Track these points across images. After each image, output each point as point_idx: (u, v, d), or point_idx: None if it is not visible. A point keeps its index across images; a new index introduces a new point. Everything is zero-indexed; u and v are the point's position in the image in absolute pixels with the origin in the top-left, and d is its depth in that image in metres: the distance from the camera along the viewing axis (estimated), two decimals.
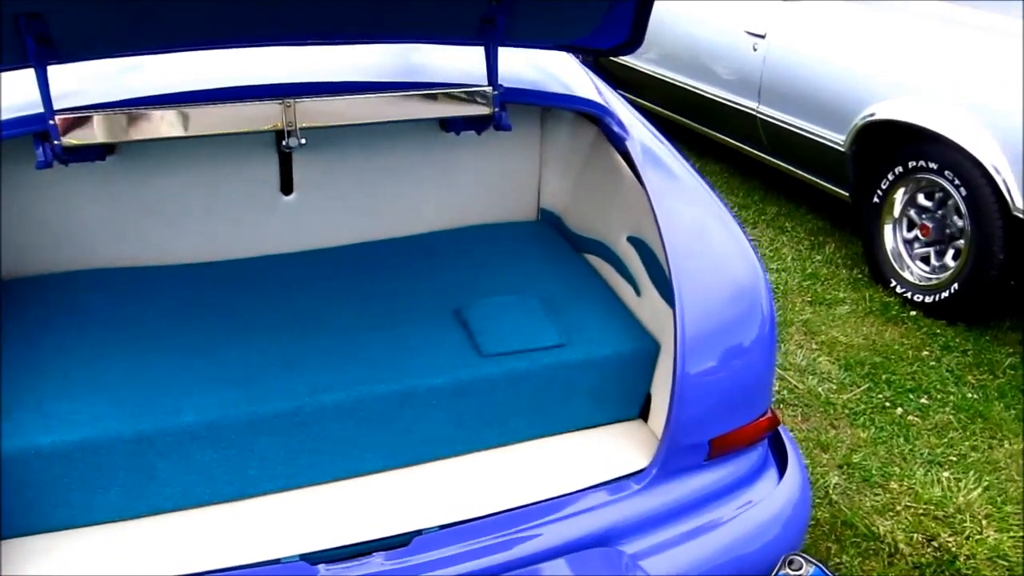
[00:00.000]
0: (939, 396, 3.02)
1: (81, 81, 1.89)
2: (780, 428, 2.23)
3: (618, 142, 2.21)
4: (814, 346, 3.32)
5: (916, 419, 2.91)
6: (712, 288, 1.92)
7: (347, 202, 2.40)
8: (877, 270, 3.76)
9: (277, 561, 1.65)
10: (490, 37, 2.00)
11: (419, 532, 1.72)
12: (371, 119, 2.01)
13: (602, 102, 2.22)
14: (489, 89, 2.04)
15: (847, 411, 2.93)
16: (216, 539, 1.69)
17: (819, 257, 4.01)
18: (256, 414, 1.76)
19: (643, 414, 2.05)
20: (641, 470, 1.89)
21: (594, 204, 2.41)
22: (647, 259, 2.11)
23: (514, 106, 2.28)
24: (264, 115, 1.90)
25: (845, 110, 3.75)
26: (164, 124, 1.84)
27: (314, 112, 1.94)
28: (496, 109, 2.06)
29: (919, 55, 3.51)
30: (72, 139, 1.75)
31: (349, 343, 1.95)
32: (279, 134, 1.93)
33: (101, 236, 2.23)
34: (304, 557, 1.64)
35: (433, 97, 2.03)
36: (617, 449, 1.96)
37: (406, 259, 2.33)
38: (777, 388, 3.05)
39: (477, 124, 2.17)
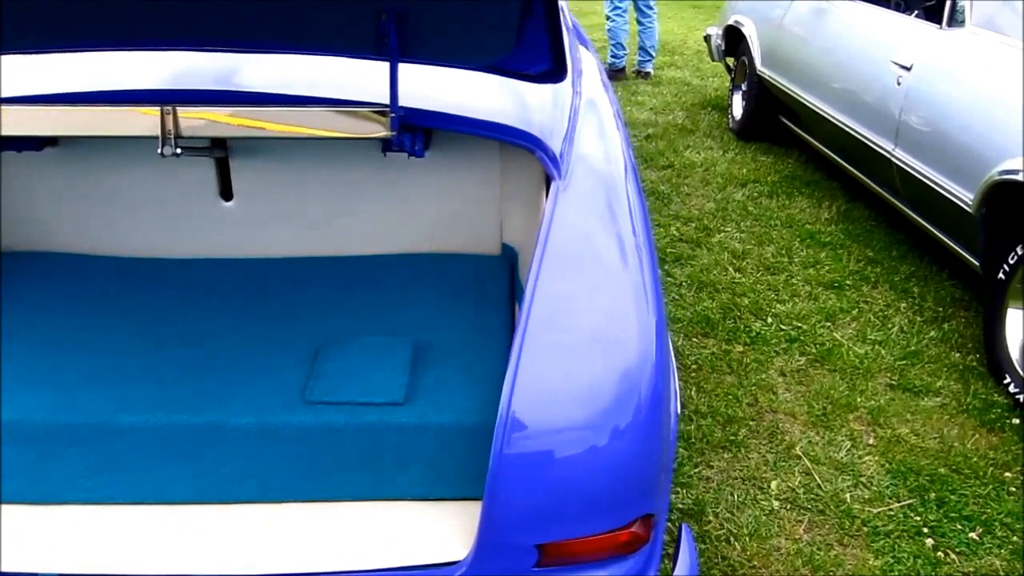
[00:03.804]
0: (1000, 534, 2.40)
1: None
2: (687, 545, 1.84)
3: (548, 180, 1.92)
4: (871, 441, 2.77)
5: (953, 557, 2.32)
6: (569, 364, 1.59)
7: (289, 214, 2.30)
8: (994, 361, 3.08)
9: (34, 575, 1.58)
10: (392, 53, 1.80)
11: None
12: (255, 133, 1.88)
13: (537, 134, 1.93)
14: (385, 110, 1.83)
15: (867, 528, 2.40)
16: None
17: (933, 333, 3.36)
18: (58, 422, 1.70)
19: None
20: (455, 562, 1.61)
21: None
22: None
23: (470, 139, 2.08)
24: (142, 121, 1.83)
25: (978, 163, 3.10)
26: (41, 122, 1.83)
27: (197, 122, 1.84)
28: (394, 132, 1.84)
29: None
30: None
31: (198, 363, 1.85)
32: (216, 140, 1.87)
33: (54, 223, 2.28)
34: None
35: (330, 114, 1.86)
36: (443, 531, 1.68)
37: (326, 280, 2.19)
38: (796, 483, 2.56)
39: (401, 146, 1.98)
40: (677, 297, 3.62)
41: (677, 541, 1.85)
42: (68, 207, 2.26)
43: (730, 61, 5.95)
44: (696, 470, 2.61)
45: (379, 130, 1.85)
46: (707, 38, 6.20)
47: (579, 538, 1.57)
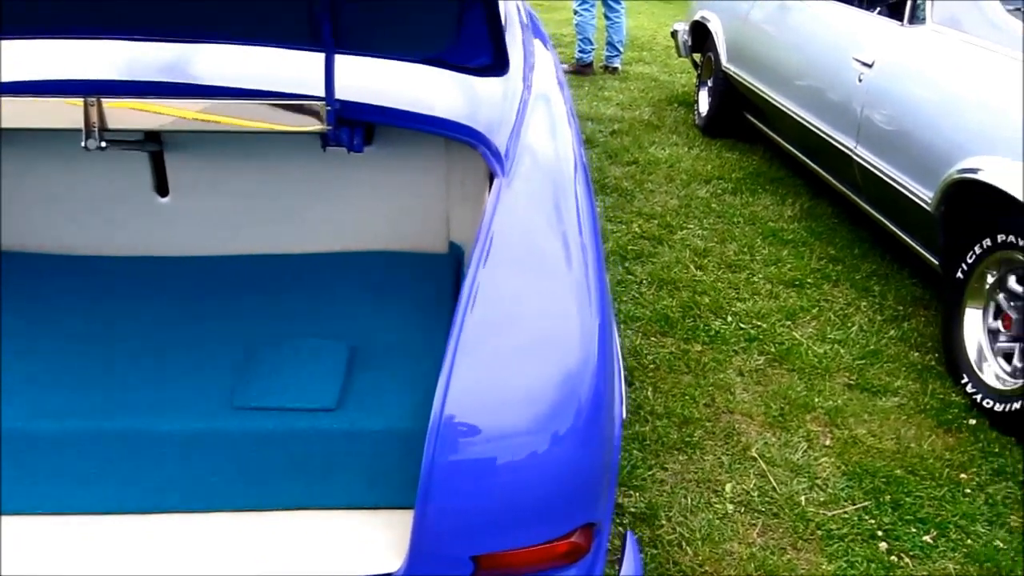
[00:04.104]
0: (955, 536, 2.37)
1: None
2: (631, 553, 1.79)
3: (491, 177, 1.87)
4: (827, 442, 2.73)
5: (907, 561, 2.29)
6: (506, 367, 1.53)
7: (227, 211, 2.22)
8: (951, 361, 3.06)
9: None
10: (328, 44, 1.73)
11: None
12: (185, 127, 1.80)
13: (481, 129, 1.86)
14: (321, 103, 1.75)
15: (821, 532, 2.36)
16: None
17: (893, 332, 3.34)
18: None
19: None
20: (388, 574, 1.55)
21: None
22: None
23: (415, 134, 2.02)
24: (67, 113, 1.75)
25: (938, 161, 3.07)
26: None
27: (124, 114, 1.76)
28: (330, 126, 1.77)
29: None
30: None
31: (122, 366, 1.76)
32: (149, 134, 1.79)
33: None
34: None
35: (265, 108, 1.78)
36: (376, 541, 1.62)
37: (263, 280, 2.12)
38: (751, 486, 2.52)
39: (339, 141, 1.90)
40: (637, 295, 3.58)
41: (622, 548, 1.80)
42: (11, 200, 2.17)
43: (697, 57, 5.91)
44: (650, 472, 2.56)
45: (315, 124, 1.78)
46: (674, 34, 6.17)
47: (516, 549, 1.51)
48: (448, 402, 1.44)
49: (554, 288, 1.65)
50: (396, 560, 1.56)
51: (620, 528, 2.34)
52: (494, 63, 1.81)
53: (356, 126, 1.86)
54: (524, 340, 1.56)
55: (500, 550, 1.51)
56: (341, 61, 1.81)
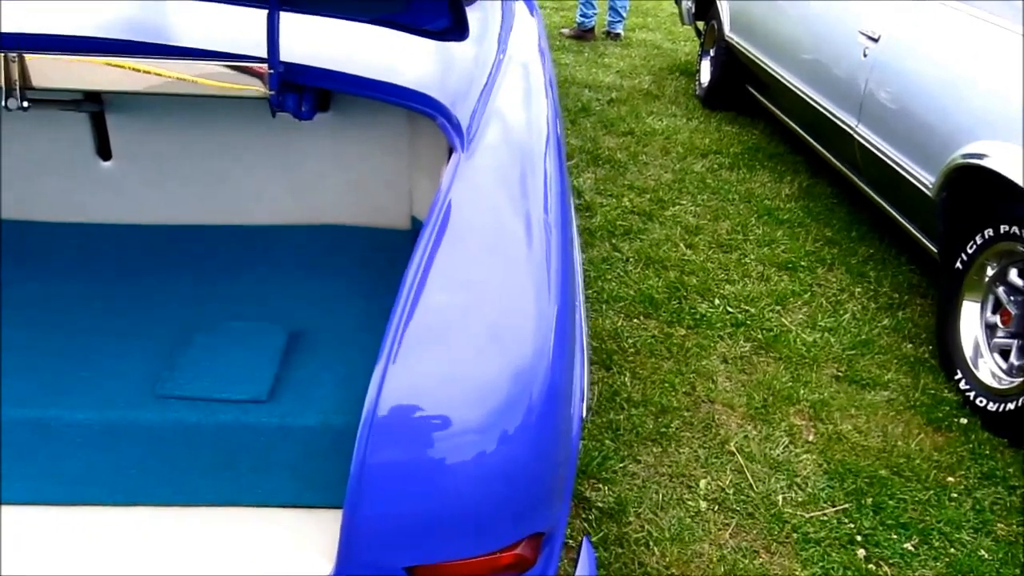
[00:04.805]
0: (938, 544, 2.25)
1: None
2: (586, 559, 1.67)
3: (450, 151, 1.72)
4: (810, 438, 2.60)
5: (886, 569, 2.17)
6: (449, 359, 1.38)
7: (172, 177, 2.07)
8: (945, 355, 2.92)
9: None
10: (272, 1, 1.57)
11: None
12: (116, 87, 1.65)
13: (440, 98, 1.71)
14: (264, 66, 1.60)
15: (797, 535, 2.24)
16: None
17: (886, 322, 3.20)
18: None
19: None
20: None
21: None
22: None
23: (375, 101, 1.87)
24: None
25: (941, 144, 2.91)
26: None
27: (49, 72, 1.61)
28: (273, 91, 1.62)
29: None
30: None
31: (40, 346, 1.63)
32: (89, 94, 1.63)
33: None
34: None
35: (207, 68, 1.63)
36: (307, 542, 1.49)
37: (206, 252, 1.97)
38: (727, 482, 2.40)
39: (282, 107, 1.75)
40: (622, 274, 3.43)
41: (577, 555, 1.68)
42: None
43: (701, 25, 5.71)
44: (622, 464, 2.44)
45: (257, 87, 1.62)
46: (678, 0, 5.95)
47: (454, 561, 1.39)
48: (382, 397, 1.30)
49: (510, 272, 1.51)
50: (327, 564, 1.44)
51: (586, 523, 2.22)
52: (452, 26, 1.66)
53: (304, 91, 1.71)
54: (472, 329, 1.42)
55: (436, 561, 1.38)
56: (289, 21, 1.65)
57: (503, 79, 2.01)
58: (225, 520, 1.52)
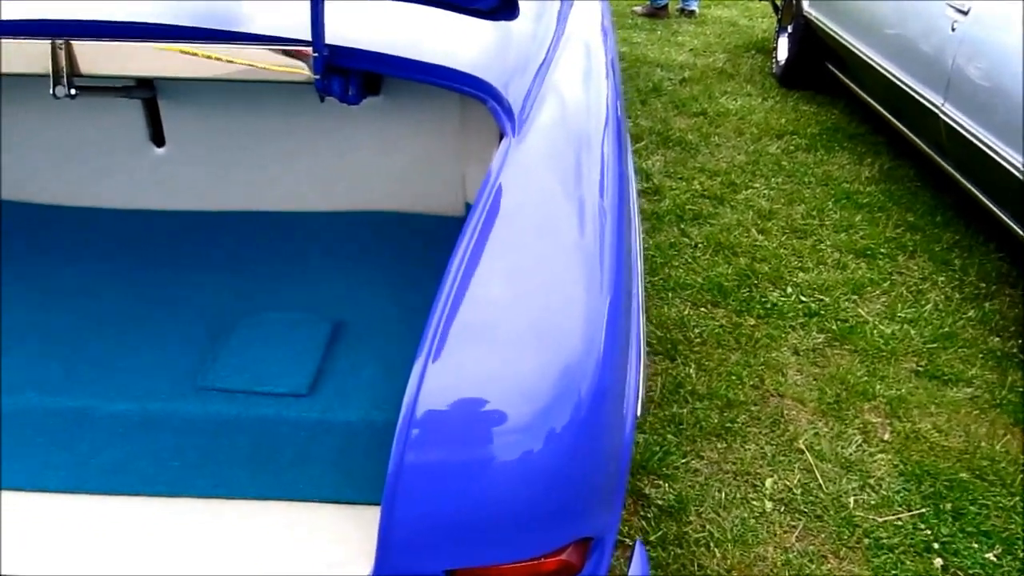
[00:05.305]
0: (1023, 555, 2.10)
1: None
2: (639, 560, 1.59)
3: (501, 135, 1.65)
4: (886, 436, 2.47)
5: None
6: (493, 354, 1.32)
7: (224, 164, 2.05)
8: None
9: None
10: None
11: None
12: (163, 73, 1.62)
13: (491, 80, 1.64)
14: (308, 50, 1.56)
15: (868, 540, 2.12)
16: None
17: (972, 313, 3.02)
18: None
19: None
20: None
21: None
22: None
23: (427, 85, 1.81)
24: (30, 56, 1.58)
25: None
26: None
27: (98, 58, 1.59)
28: (317, 75, 1.57)
29: None
30: None
31: (85, 335, 1.62)
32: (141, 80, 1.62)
33: None
34: None
35: (255, 54, 1.59)
36: (350, 540, 1.45)
37: (255, 240, 1.95)
38: (795, 482, 2.29)
39: (328, 91, 1.70)
40: (690, 260, 3.32)
41: (629, 560, 1.60)
42: None
43: (778, 0, 5.50)
44: (684, 460, 2.35)
45: (303, 71, 1.58)
46: None
47: (496, 565, 1.33)
48: (422, 393, 1.25)
49: (559, 262, 1.44)
50: (366, 562, 1.40)
51: (644, 521, 2.14)
52: (502, 4, 1.58)
53: (351, 75, 1.66)
54: (517, 322, 1.34)
55: (477, 565, 1.33)
56: (336, 3, 1.60)
57: (561, 59, 1.92)
58: (265, 514, 1.49)
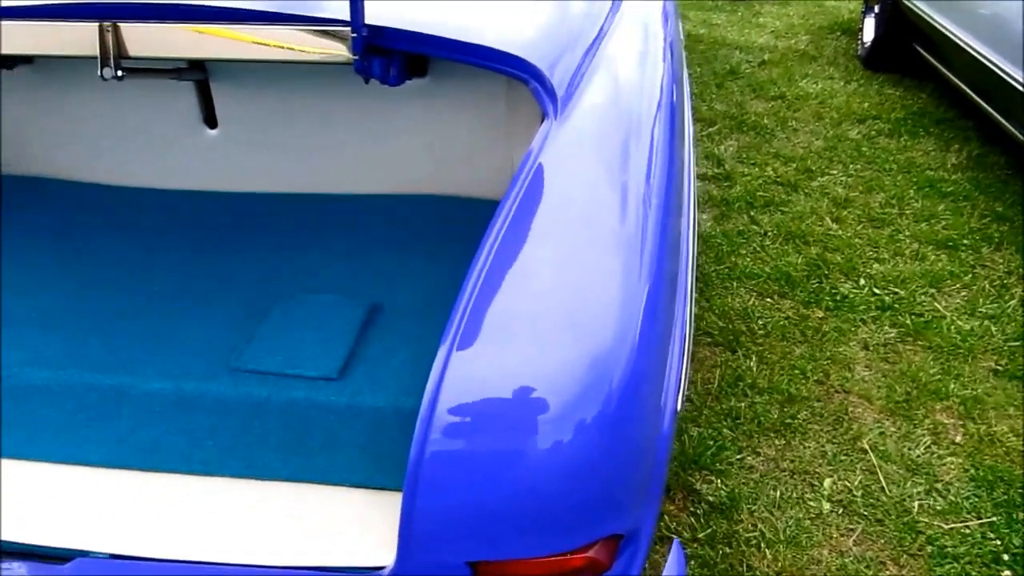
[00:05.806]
0: None
1: None
2: (676, 559, 1.53)
3: (543, 117, 1.60)
4: (957, 439, 2.34)
5: None
6: (521, 343, 1.28)
7: (274, 146, 2.06)
8: None
9: None
10: None
11: (85, 554, 1.39)
12: (210, 54, 1.62)
13: (534, 60, 1.59)
14: (347, 30, 1.54)
15: (932, 548, 2.01)
16: None
17: None
18: None
19: None
20: (378, 568, 1.37)
21: None
22: None
23: (473, 68, 1.77)
24: (79, 38, 1.60)
25: None
26: None
27: (144, 40, 1.60)
28: (356, 56, 1.55)
29: None
30: None
31: (126, 314, 1.65)
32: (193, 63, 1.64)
33: (19, 144, 2.11)
34: None
35: (296, 35, 1.58)
36: (376, 524, 1.44)
37: (300, 222, 1.95)
38: (856, 483, 2.18)
39: (368, 72, 1.68)
40: (759, 248, 3.21)
41: (665, 560, 1.55)
42: (42, 128, 2.09)
43: None
44: (739, 456, 2.26)
45: (341, 54, 1.56)
46: None
47: (520, 559, 1.29)
48: (446, 381, 1.21)
49: (595, 249, 1.39)
50: (391, 546, 1.38)
51: (693, 518, 2.07)
52: None
53: (392, 55, 1.63)
54: (547, 311, 1.30)
55: (501, 559, 1.29)
56: None
57: (612, 38, 1.86)
58: (294, 496, 1.49)
